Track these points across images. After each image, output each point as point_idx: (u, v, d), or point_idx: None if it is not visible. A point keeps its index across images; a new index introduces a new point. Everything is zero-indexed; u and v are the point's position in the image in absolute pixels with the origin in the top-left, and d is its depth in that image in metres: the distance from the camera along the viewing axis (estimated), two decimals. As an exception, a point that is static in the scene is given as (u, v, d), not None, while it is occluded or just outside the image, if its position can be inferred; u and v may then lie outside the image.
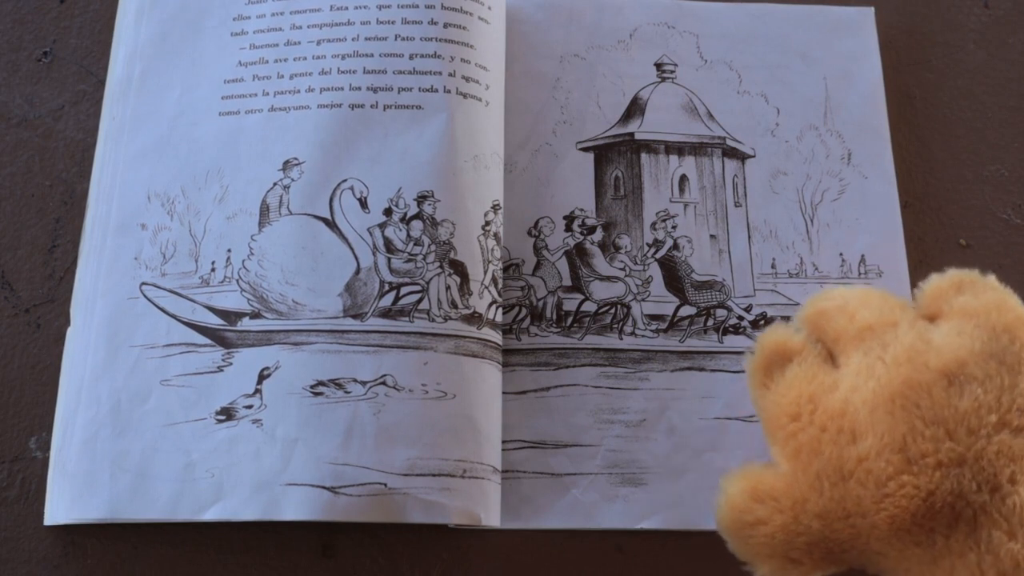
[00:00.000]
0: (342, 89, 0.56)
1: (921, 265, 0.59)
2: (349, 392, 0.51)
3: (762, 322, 0.57)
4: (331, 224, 0.54)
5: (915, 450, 0.41)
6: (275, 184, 0.55)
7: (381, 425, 0.50)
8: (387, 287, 0.54)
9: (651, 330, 0.57)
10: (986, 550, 0.39)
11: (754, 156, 0.60)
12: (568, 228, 0.58)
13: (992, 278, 0.47)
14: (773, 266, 0.58)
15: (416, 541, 0.52)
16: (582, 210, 0.59)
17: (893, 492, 0.40)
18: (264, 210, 0.55)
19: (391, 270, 0.54)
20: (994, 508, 0.40)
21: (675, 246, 0.59)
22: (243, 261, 0.54)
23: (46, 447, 0.52)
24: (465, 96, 0.56)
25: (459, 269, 0.54)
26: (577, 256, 0.58)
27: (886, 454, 0.41)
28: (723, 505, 0.45)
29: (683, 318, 0.57)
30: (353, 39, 0.57)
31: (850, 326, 0.45)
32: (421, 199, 0.54)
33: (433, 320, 0.53)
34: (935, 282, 0.47)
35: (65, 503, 0.50)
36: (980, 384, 0.42)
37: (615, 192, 0.59)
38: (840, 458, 0.42)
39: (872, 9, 0.64)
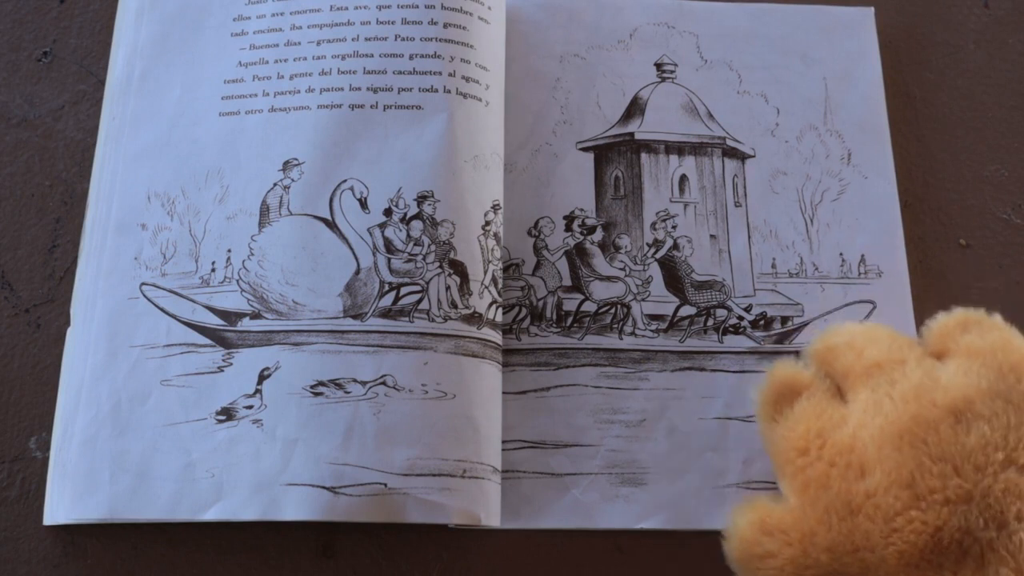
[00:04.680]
0: (342, 89, 0.56)
1: (921, 265, 0.59)
2: (349, 392, 0.51)
3: (762, 322, 0.57)
4: (331, 224, 0.54)
5: (923, 486, 0.41)
6: (275, 184, 0.55)
7: (381, 425, 0.50)
8: (387, 287, 0.54)
9: (651, 330, 0.57)
10: None
11: (754, 156, 0.60)
12: (568, 228, 0.58)
13: (997, 317, 0.48)
14: (773, 266, 0.58)
15: (416, 541, 0.52)
16: (582, 210, 0.59)
17: (901, 527, 0.41)
18: (264, 210, 0.55)
19: (391, 270, 0.54)
20: (1001, 545, 0.40)
21: (675, 246, 0.59)
22: (243, 261, 0.54)
23: (46, 447, 0.52)
24: (465, 96, 0.56)
25: (459, 269, 0.54)
26: (577, 256, 0.58)
27: (894, 490, 0.41)
28: (732, 537, 0.45)
29: (683, 318, 0.57)
30: (353, 39, 0.57)
31: (858, 362, 0.46)
32: (421, 199, 0.54)
33: (433, 320, 0.53)
34: (941, 320, 0.48)
35: (65, 503, 0.51)
36: (987, 422, 0.42)
37: (615, 192, 0.59)
38: (848, 492, 0.42)
39: (872, 9, 0.64)
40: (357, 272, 0.54)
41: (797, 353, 0.53)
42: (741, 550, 0.44)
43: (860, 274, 0.58)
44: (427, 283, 0.53)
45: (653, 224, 0.59)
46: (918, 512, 0.41)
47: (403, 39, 0.57)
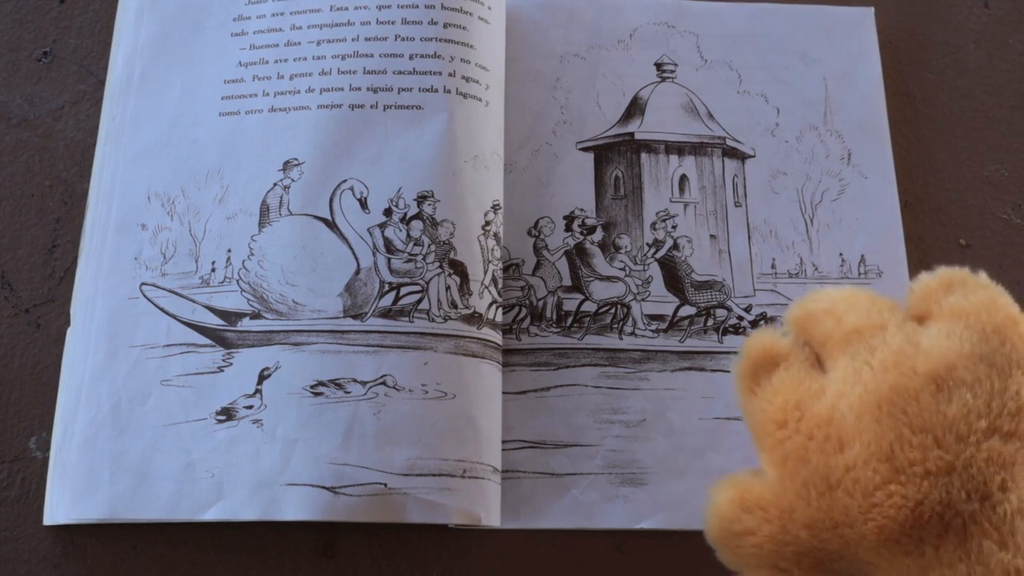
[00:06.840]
0: (342, 89, 0.56)
1: (921, 265, 0.58)
2: (349, 392, 0.51)
3: (762, 322, 0.57)
4: (331, 224, 0.54)
5: (902, 459, 0.40)
6: (275, 184, 0.55)
7: (381, 425, 0.50)
8: (387, 287, 0.54)
9: (651, 330, 0.57)
10: (976, 560, 0.38)
11: (754, 156, 0.60)
12: (568, 228, 0.58)
13: (983, 275, 0.45)
14: (773, 266, 0.58)
15: (416, 541, 0.52)
16: (582, 210, 0.59)
17: (881, 502, 0.39)
18: (264, 210, 0.55)
19: (391, 270, 0.54)
20: (984, 517, 0.39)
21: (675, 246, 0.59)
22: (243, 261, 0.54)
23: (46, 447, 0.52)
24: (465, 96, 0.56)
25: (459, 269, 0.54)
26: (577, 256, 0.58)
27: (873, 463, 0.40)
28: (711, 515, 0.43)
29: (683, 318, 0.57)
30: (353, 39, 0.57)
31: (837, 329, 0.44)
32: (421, 199, 0.54)
33: (433, 320, 0.53)
34: (924, 281, 0.45)
35: (65, 503, 0.51)
36: (969, 389, 0.40)
37: (615, 192, 0.59)
38: (827, 467, 0.41)
39: (872, 9, 0.64)
40: (357, 272, 0.54)
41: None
42: (720, 528, 0.43)
43: (860, 274, 0.58)
44: (427, 283, 0.53)
45: (653, 224, 0.59)
46: (898, 486, 0.39)
47: (403, 39, 0.57)
